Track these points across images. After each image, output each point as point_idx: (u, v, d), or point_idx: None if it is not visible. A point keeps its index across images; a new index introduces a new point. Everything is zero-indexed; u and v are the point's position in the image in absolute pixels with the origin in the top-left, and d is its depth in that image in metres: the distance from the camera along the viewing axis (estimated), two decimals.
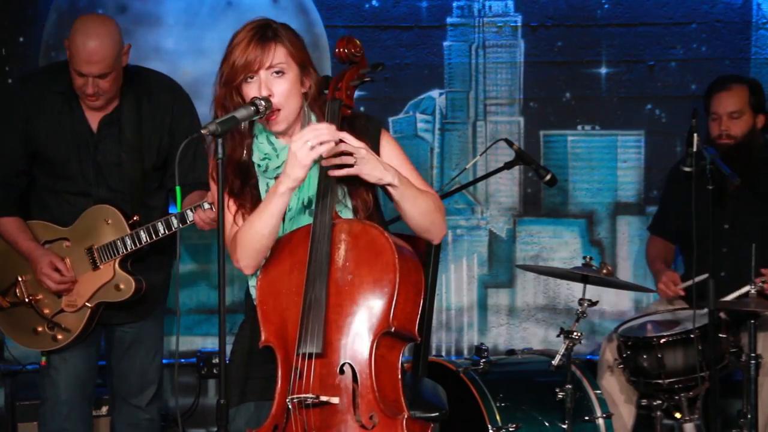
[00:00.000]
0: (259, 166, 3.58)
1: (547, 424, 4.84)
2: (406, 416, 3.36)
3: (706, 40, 5.94)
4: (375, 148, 3.57)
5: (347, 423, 3.36)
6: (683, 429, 5.02)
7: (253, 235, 3.48)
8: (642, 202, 6.02)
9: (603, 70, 5.99)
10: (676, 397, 4.99)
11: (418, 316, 3.47)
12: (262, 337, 3.47)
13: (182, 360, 5.82)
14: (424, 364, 4.58)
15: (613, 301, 5.97)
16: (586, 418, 4.88)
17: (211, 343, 5.94)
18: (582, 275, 4.81)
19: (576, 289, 5.50)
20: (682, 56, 5.95)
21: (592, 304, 4.82)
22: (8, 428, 5.42)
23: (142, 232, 4.59)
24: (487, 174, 5.47)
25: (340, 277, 3.42)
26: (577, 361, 5.01)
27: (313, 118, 3.59)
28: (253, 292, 3.63)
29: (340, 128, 3.46)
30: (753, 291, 4.80)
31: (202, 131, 3.34)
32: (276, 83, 3.49)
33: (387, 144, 3.62)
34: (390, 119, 5.98)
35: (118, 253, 4.62)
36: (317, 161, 3.54)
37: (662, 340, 4.95)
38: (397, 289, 3.38)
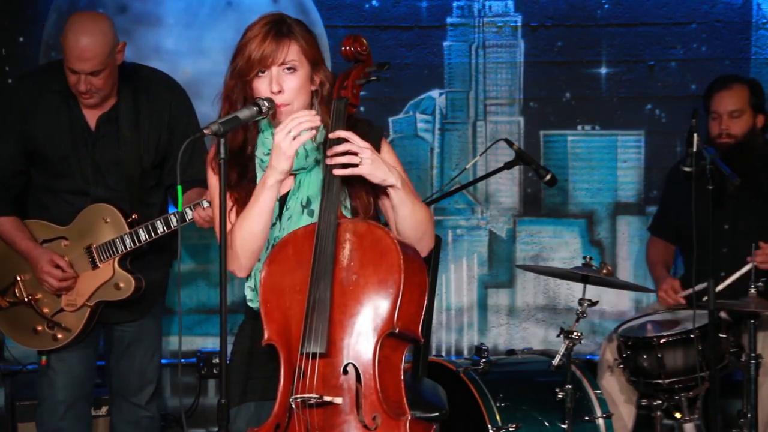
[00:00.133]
0: (262, 161, 3.57)
1: (547, 424, 4.83)
2: (409, 418, 3.35)
3: (706, 40, 5.94)
4: None
5: (350, 423, 3.36)
6: (683, 429, 5.02)
7: (245, 235, 3.49)
8: (642, 202, 6.02)
9: (603, 70, 5.99)
10: (676, 397, 4.99)
11: (422, 317, 3.47)
12: (265, 336, 3.46)
13: (182, 360, 5.82)
14: (424, 364, 4.59)
15: (613, 301, 5.97)
16: (586, 418, 4.87)
17: (211, 343, 5.93)
18: (582, 275, 4.81)
19: (576, 289, 5.50)
20: (682, 56, 5.95)
21: (592, 304, 4.82)
22: (8, 428, 5.42)
23: (141, 231, 4.59)
24: (487, 174, 5.47)
25: (344, 276, 3.42)
26: (577, 361, 5.01)
27: (319, 112, 3.58)
28: (248, 292, 3.64)
29: (346, 128, 3.47)
30: (753, 291, 4.80)
31: (204, 131, 3.35)
32: (287, 79, 3.50)
33: (386, 153, 3.61)
34: (390, 119, 5.98)
35: (117, 252, 4.62)
36: (319, 161, 3.55)
37: (662, 340, 4.95)
38: (402, 289, 3.38)
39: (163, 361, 4.98)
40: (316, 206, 3.56)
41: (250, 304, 3.64)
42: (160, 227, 4.58)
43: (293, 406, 3.38)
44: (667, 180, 5.65)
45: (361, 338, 3.39)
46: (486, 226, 6.04)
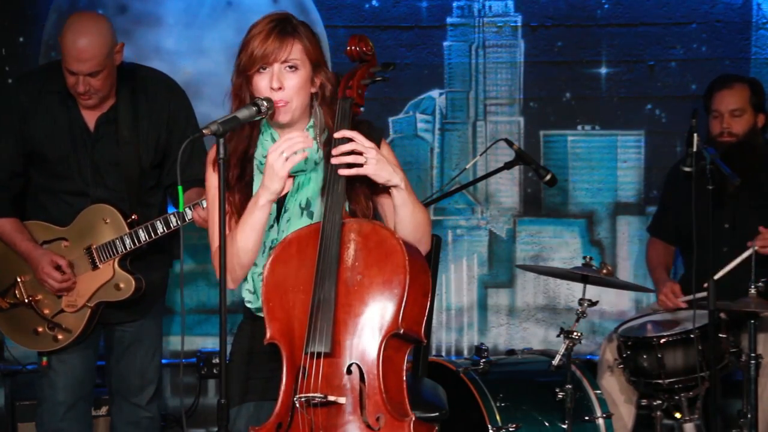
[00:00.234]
0: (262, 163, 3.57)
1: (547, 424, 4.83)
2: (413, 419, 3.35)
3: (706, 40, 5.94)
4: None
5: (353, 423, 3.35)
6: (683, 429, 5.02)
7: (236, 251, 3.48)
8: (642, 202, 6.02)
9: (603, 70, 5.99)
10: (676, 397, 4.99)
11: (425, 318, 3.47)
12: (267, 335, 3.46)
13: (183, 360, 5.82)
14: (424, 364, 4.59)
15: (613, 301, 5.97)
16: (586, 418, 4.87)
17: (211, 343, 5.93)
18: (582, 275, 4.81)
19: (576, 289, 5.50)
20: (682, 56, 5.95)
21: (592, 304, 4.82)
22: (8, 428, 5.42)
23: (140, 231, 4.59)
24: (487, 174, 5.47)
25: (349, 276, 3.42)
26: (577, 361, 5.01)
27: (320, 113, 3.59)
28: (246, 294, 3.64)
29: (351, 128, 3.48)
30: (753, 291, 4.80)
31: (203, 131, 3.35)
32: (288, 77, 3.50)
33: (386, 155, 3.61)
34: (390, 119, 5.98)
35: (118, 253, 4.62)
36: (318, 162, 3.55)
37: (662, 340, 4.95)
38: (407, 290, 3.38)
39: (163, 361, 4.98)
40: (315, 208, 3.57)
41: (248, 305, 3.65)
42: (160, 227, 4.58)
43: (297, 405, 3.38)
44: (667, 180, 5.65)
45: (366, 338, 3.39)
46: (486, 226, 6.04)
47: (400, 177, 3.47)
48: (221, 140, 3.33)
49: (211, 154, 3.61)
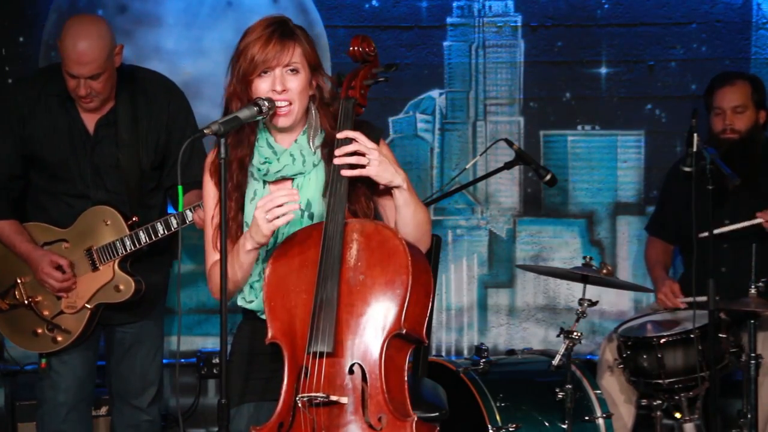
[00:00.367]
0: (259, 170, 3.57)
1: (547, 424, 4.84)
2: (415, 419, 3.36)
3: (706, 40, 5.94)
4: None
5: (355, 423, 3.36)
6: (683, 429, 5.02)
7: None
8: (642, 202, 6.02)
9: (603, 70, 5.99)
10: (676, 397, 4.99)
11: (427, 319, 3.48)
12: (269, 334, 3.46)
13: (182, 360, 5.82)
14: (424, 364, 4.59)
15: (613, 301, 5.97)
16: (586, 418, 4.87)
17: (211, 343, 5.93)
18: (582, 275, 4.81)
19: (576, 289, 5.50)
20: (682, 56, 5.95)
21: (592, 304, 4.82)
22: (8, 428, 5.42)
23: (141, 233, 4.59)
24: (487, 174, 5.47)
25: (351, 276, 3.42)
26: (577, 361, 5.01)
27: (315, 116, 3.59)
28: (242, 302, 3.65)
29: (352, 128, 3.48)
30: (753, 291, 4.80)
31: (204, 130, 3.35)
32: (290, 80, 3.51)
33: (386, 155, 3.61)
34: (390, 119, 5.98)
35: (118, 254, 4.62)
36: (316, 164, 3.56)
37: (662, 340, 4.95)
38: (409, 290, 3.38)
39: (163, 361, 4.98)
40: (316, 209, 3.57)
41: (247, 306, 3.65)
42: (161, 229, 4.57)
43: (299, 405, 3.38)
44: (666, 180, 5.65)
45: (368, 338, 3.39)
46: (486, 226, 6.04)
47: (402, 177, 3.47)
48: (222, 140, 3.34)
49: (209, 159, 3.61)
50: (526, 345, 5.87)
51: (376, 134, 3.57)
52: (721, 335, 4.92)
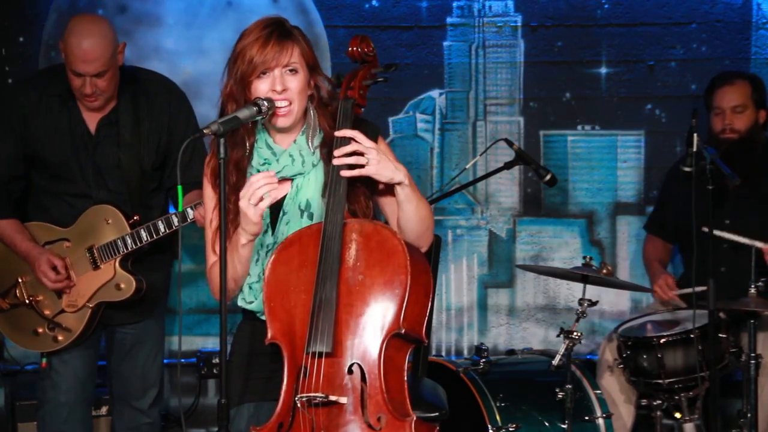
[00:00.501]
0: (258, 171, 3.57)
1: (547, 424, 4.84)
2: (414, 419, 3.36)
3: (706, 40, 5.94)
4: None
5: (355, 423, 3.36)
6: (683, 429, 5.02)
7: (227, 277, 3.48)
8: (642, 202, 6.02)
9: (603, 70, 5.99)
10: (676, 397, 4.99)
11: (426, 318, 3.48)
12: (268, 335, 3.47)
13: (182, 360, 5.82)
14: (424, 364, 4.58)
15: (613, 301, 5.97)
16: (586, 418, 4.87)
17: (211, 343, 5.93)
18: (582, 275, 4.81)
19: (576, 289, 5.50)
20: (682, 56, 5.95)
21: (592, 304, 4.82)
22: (8, 428, 5.42)
23: (142, 231, 4.59)
24: (487, 174, 5.47)
25: (350, 276, 3.42)
26: (577, 361, 5.01)
27: (314, 116, 3.59)
28: (242, 303, 3.65)
29: (352, 127, 3.49)
30: (753, 291, 4.80)
31: (203, 130, 3.36)
32: (290, 80, 3.51)
33: (384, 151, 3.61)
34: (390, 119, 5.98)
35: (119, 253, 4.62)
36: (315, 164, 3.56)
37: (662, 340, 4.95)
38: (408, 290, 3.38)
39: (164, 361, 4.98)
40: (315, 209, 3.57)
41: (247, 307, 3.65)
42: (162, 227, 4.58)
43: (298, 405, 3.38)
44: (666, 179, 5.65)
45: (367, 338, 3.39)
46: (486, 226, 6.04)
47: (403, 173, 3.47)
48: (221, 140, 3.34)
49: (207, 161, 3.62)
50: (526, 345, 5.87)
51: (374, 131, 3.57)
52: (721, 335, 4.93)
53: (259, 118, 3.46)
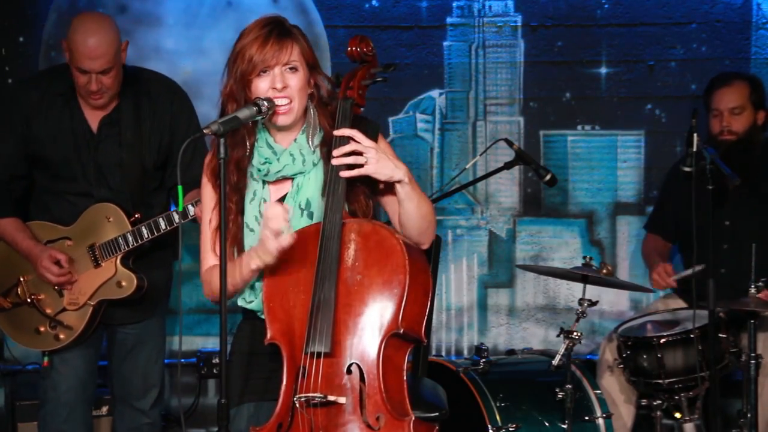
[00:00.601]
0: (259, 170, 3.58)
1: (547, 424, 4.83)
2: (413, 418, 3.36)
3: (706, 40, 5.94)
4: None
5: (354, 423, 3.36)
6: (683, 429, 5.02)
7: (228, 287, 3.47)
8: (642, 202, 6.02)
9: (603, 70, 5.99)
10: (676, 397, 4.99)
11: (425, 318, 3.47)
12: (268, 335, 3.47)
13: (182, 360, 5.82)
14: (424, 364, 4.58)
15: (613, 301, 5.97)
16: (586, 418, 4.87)
17: (211, 343, 5.93)
18: (582, 275, 4.81)
19: (576, 289, 5.50)
20: (682, 56, 5.96)
21: (592, 304, 4.82)
22: (8, 428, 5.42)
23: (143, 228, 4.60)
24: (487, 174, 5.46)
25: (349, 276, 3.42)
26: (577, 361, 5.01)
27: (314, 115, 3.59)
28: (242, 303, 3.65)
29: (351, 126, 3.49)
30: (753, 291, 4.80)
31: (204, 130, 3.36)
32: (290, 77, 3.52)
33: (383, 149, 3.61)
34: (390, 119, 5.98)
35: (120, 250, 4.63)
36: (316, 163, 3.56)
37: (662, 340, 4.95)
38: (406, 290, 3.38)
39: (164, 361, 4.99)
40: (315, 208, 3.57)
41: (247, 306, 3.65)
42: (163, 224, 4.59)
43: (297, 405, 3.38)
44: (666, 179, 5.65)
45: (366, 338, 3.40)
46: (486, 226, 6.04)
47: (403, 171, 3.47)
48: (221, 140, 3.34)
49: (206, 161, 3.62)
50: (526, 345, 5.87)
51: (374, 130, 3.58)
52: (720, 335, 4.93)
53: (259, 117, 3.46)
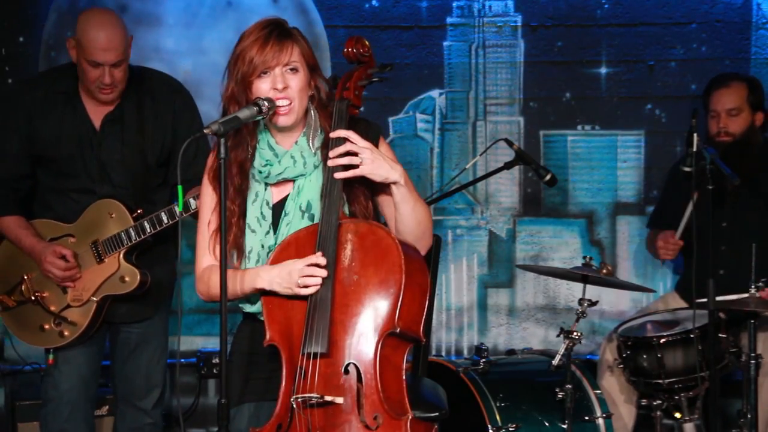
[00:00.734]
0: (260, 172, 3.58)
1: (547, 424, 4.83)
2: (410, 417, 3.36)
3: (706, 40, 5.94)
4: None
5: (351, 423, 3.36)
6: (683, 429, 5.02)
7: (228, 294, 3.47)
8: (642, 202, 6.02)
9: (603, 70, 5.99)
10: (676, 397, 4.99)
11: (424, 317, 3.47)
12: (267, 336, 3.47)
13: (182, 360, 5.82)
14: (424, 364, 4.58)
15: (613, 301, 5.98)
16: (586, 418, 4.87)
17: (211, 343, 5.94)
18: (582, 275, 4.81)
19: (576, 289, 5.50)
20: (682, 56, 5.96)
21: (592, 304, 4.82)
22: (8, 428, 5.42)
23: (145, 223, 4.61)
24: (487, 174, 5.46)
25: (345, 277, 3.42)
26: (577, 361, 5.01)
27: (314, 117, 3.59)
28: (242, 304, 3.65)
29: (347, 128, 3.48)
30: (753, 291, 4.80)
31: (204, 130, 3.36)
32: (290, 78, 3.52)
33: (385, 152, 3.62)
34: (390, 119, 5.98)
35: (123, 245, 4.63)
36: (317, 165, 3.56)
37: (662, 340, 4.95)
38: (403, 289, 3.38)
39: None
40: (316, 210, 3.57)
41: (245, 309, 3.65)
42: (165, 218, 4.59)
43: (294, 406, 3.38)
44: (667, 179, 5.65)
45: (363, 338, 3.39)
46: (486, 226, 6.05)
47: (399, 173, 3.47)
48: (222, 140, 3.34)
49: (208, 163, 3.62)
50: (526, 345, 5.87)
51: (375, 132, 3.58)
52: (721, 335, 4.93)
53: (259, 117, 3.46)
